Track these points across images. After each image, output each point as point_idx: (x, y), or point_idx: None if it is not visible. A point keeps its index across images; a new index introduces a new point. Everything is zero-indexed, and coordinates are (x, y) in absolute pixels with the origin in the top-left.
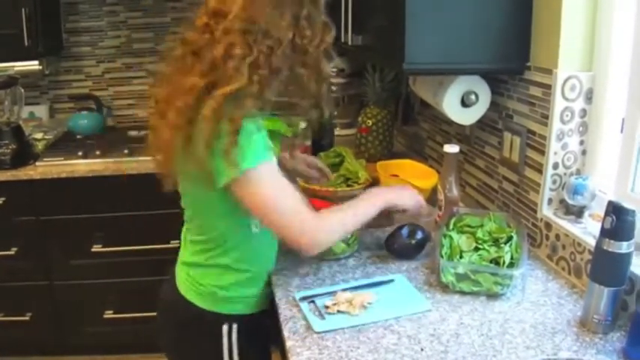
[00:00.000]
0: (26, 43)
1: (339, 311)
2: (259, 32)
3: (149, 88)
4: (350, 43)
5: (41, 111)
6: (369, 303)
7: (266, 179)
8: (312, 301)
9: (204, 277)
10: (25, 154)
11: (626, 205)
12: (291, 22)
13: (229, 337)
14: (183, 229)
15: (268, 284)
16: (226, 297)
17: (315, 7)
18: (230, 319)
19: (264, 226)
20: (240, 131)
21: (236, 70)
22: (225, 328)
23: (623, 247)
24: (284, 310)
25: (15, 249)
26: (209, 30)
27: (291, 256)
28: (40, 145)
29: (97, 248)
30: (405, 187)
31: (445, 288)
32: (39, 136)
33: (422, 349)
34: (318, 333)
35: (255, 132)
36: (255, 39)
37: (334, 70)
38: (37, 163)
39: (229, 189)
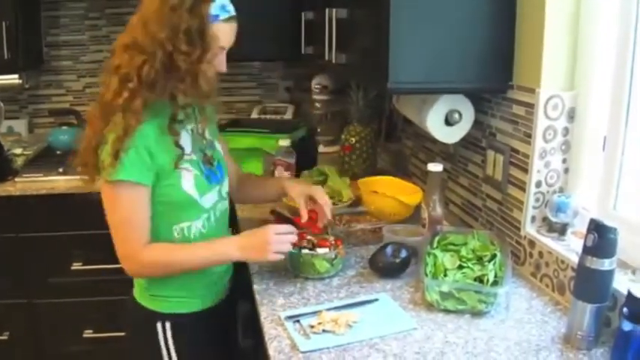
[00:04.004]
0: (6, 57)
1: (324, 330)
2: (135, 48)
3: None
4: (334, 61)
5: (20, 126)
6: (354, 322)
7: (120, 196)
8: (298, 321)
9: None
10: (3, 170)
11: (608, 222)
12: (169, 35)
13: (164, 334)
14: None
15: (215, 283)
16: (156, 295)
17: (196, 22)
18: (163, 317)
19: None
20: (116, 142)
21: (112, 83)
22: (159, 325)
23: (606, 264)
24: (269, 329)
25: None
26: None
27: (275, 275)
28: (19, 161)
29: (77, 266)
30: (260, 235)
31: (430, 306)
32: (18, 151)
33: None
34: (304, 352)
35: (131, 147)
36: (131, 54)
37: (317, 86)
38: (16, 179)
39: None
